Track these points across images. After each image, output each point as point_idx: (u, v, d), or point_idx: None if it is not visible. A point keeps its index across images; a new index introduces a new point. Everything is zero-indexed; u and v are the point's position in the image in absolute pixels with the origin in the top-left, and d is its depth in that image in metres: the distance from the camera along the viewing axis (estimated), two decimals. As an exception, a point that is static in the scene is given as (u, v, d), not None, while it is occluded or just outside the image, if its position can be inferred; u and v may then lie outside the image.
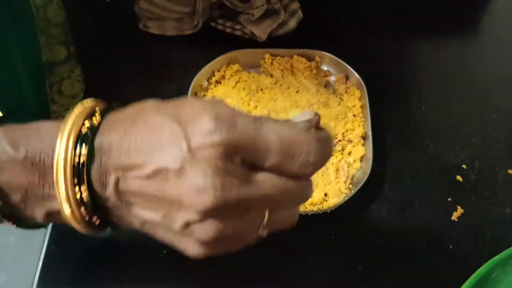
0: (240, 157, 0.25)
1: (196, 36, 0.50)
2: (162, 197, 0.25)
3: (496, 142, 0.49)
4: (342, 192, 0.44)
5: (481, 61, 0.57)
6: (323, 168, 0.45)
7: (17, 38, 0.51)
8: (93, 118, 0.27)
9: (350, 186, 0.45)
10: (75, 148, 0.26)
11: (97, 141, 0.26)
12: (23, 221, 0.29)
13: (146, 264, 0.42)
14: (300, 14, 0.57)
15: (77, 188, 0.26)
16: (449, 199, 0.45)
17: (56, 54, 0.61)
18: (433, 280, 0.41)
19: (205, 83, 0.51)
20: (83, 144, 0.26)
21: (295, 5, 0.58)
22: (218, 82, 0.52)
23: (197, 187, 0.24)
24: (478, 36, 0.60)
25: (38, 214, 0.28)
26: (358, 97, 0.50)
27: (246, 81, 0.52)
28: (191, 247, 0.27)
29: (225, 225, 0.26)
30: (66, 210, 0.27)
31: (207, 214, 0.25)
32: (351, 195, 0.43)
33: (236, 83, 0.52)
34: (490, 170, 0.47)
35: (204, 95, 0.51)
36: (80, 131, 0.26)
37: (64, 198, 0.26)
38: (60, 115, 0.59)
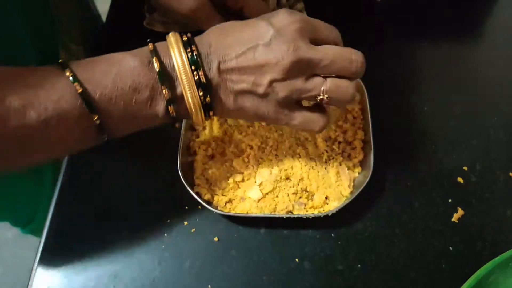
0: (308, 35, 0.37)
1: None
2: (254, 66, 0.35)
3: (497, 144, 0.49)
4: (343, 195, 0.44)
5: (483, 64, 0.57)
6: (323, 171, 0.45)
7: (37, 52, 0.52)
8: (186, 34, 0.37)
9: (352, 189, 0.44)
10: (185, 49, 0.35)
11: (198, 41, 0.36)
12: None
13: (145, 259, 0.42)
14: (305, 14, 0.58)
15: (195, 73, 0.35)
16: (450, 200, 0.45)
17: None
18: (433, 281, 0.41)
19: None
20: (190, 45, 0.35)
21: (300, 6, 0.58)
22: None
23: (282, 50, 0.35)
24: (480, 38, 0.60)
25: (160, 107, 0.36)
26: (357, 100, 0.50)
27: None
28: (270, 107, 0.37)
29: (298, 83, 0.36)
30: (188, 92, 0.35)
31: (288, 72, 0.35)
32: (352, 198, 0.42)
33: None
34: (491, 172, 0.47)
35: None
36: (183, 40, 0.36)
37: (186, 82, 0.35)
38: None
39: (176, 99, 0.36)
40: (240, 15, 0.51)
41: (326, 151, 0.46)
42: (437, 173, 0.47)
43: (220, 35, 0.37)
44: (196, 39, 0.37)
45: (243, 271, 0.41)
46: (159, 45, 0.36)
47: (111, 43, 0.59)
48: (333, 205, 0.43)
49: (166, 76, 0.35)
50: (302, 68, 0.36)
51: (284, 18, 0.36)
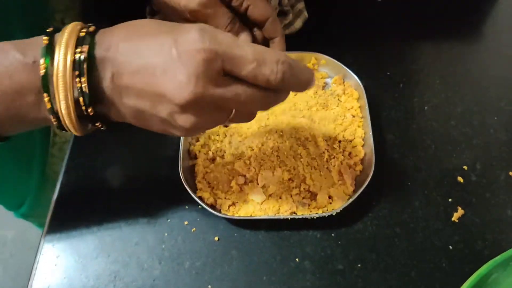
0: (219, 64, 0.30)
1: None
2: (149, 91, 0.30)
3: (497, 143, 0.49)
4: (346, 194, 0.44)
5: (484, 63, 0.57)
6: (325, 172, 0.45)
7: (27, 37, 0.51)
8: (88, 28, 0.31)
9: (354, 188, 0.44)
10: (75, 47, 0.30)
11: (98, 40, 0.31)
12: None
13: (146, 258, 0.42)
14: (305, 14, 0.58)
15: (77, 79, 0.30)
16: (450, 200, 0.45)
17: None
18: (433, 281, 0.41)
19: None
20: (83, 44, 0.30)
21: (301, 5, 0.58)
22: None
23: (179, 83, 0.29)
24: (480, 38, 0.60)
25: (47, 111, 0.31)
26: (356, 98, 0.50)
27: None
28: (178, 130, 0.33)
29: (199, 119, 0.31)
30: (63, 102, 0.30)
31: (186, 107, 0.30)
32: (355, 197, 0.42)
33: None
34: (491, 172, 0.47)
35: None
36: (79, 36, 0.30)
37: (62, 90, 0.30)
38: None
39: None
40: (245, 15, 0.51)
41: (327, 151, 0.46)
42: (438, 173, 0.47)
43: (124, 37, 0.31)
44: (98, 36, 0.31)
45: (244, 271, 0.41)
46: (57, 37, 0.31)
47: None
48: (337, 205, 0.43)
49: (50, 81, 0.30)
50: (202, 105, 0.31)
51: (193, 41, 0.30)
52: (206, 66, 0.30)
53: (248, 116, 0.35)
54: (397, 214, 0.44)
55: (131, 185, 0.47)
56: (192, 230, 0.43)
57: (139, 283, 0.41)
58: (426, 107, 0.52)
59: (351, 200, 0.42)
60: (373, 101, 0.51)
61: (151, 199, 0.45)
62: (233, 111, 0.34)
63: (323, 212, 0.43)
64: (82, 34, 0.31)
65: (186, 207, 0.44)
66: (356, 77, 0.50)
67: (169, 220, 0.44)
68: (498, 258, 0.38)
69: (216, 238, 0.43)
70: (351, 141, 0.47)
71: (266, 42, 0.53)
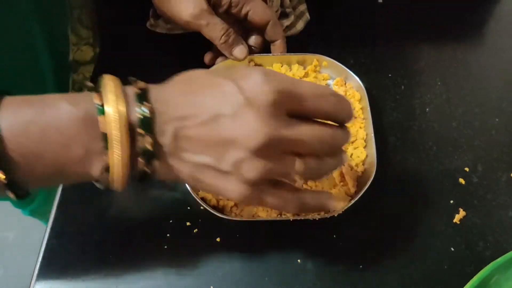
0: (285, 107, 0.30)
1: (200, 36, 0.50)
2: (217, 140, 0.30)
3: (499, 145, 0.49)
4: (347, 196, 0.44)
5: (485, 65, 0.57)
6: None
7: (48, 35, 0.52)
8: (136, 83, 0.30)
9: (356, 189, 0.44)
10: (128, 105, 0.29)
11: (152, 99, 0.30)
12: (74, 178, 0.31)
13: (147, 259, 0.42)
14: (307, 16, 0.58)
15: (139, 137, 0.29)
16: (451, 201, 0.45)
17: (83, 54, 0.61)
18: (434, 282, 0.41)
19: None
20: (141, 102, 0.29)
21: (302, 7, 0.58)
22: None
23: (251, 128, 0.29)
24: (482, 39, 0.60)
25: (95, 168, 0.30)
26: (358, 99, 0.50)
27: None
28: (235, 187, 0.31)
29: (269, 165, 0.30)
30: (123, 157, 0.29)
31: (257, 152, 0.29)
32: (357, 198, 0.42)
33: None
34: (492, 173, 0.47)
35: None
36: (126, 93, 0.29)
37: (120, 145, 0.28)
38: None
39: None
40: (244, 21, 0.51)
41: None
42: (439, 174, 0.47)
43: (182, 90, 0.31)
44: (153, 91, 0.30)
45: (246, 272, 0.41)
46: (106, 93, 0.29)
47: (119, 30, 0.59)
48: (339, 206, 0.43)
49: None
50: (274, 149, 0.31)
51: (258, 84, 0.30)
52: (276, 107, 0.30)
53: (318, 169, 0.33)
54: (399, 216, 0.44)
55: (133, 186, 0.47)
56: (194, 231, 0.43)
57: (141, 284, 0.41)
58: (427, 109, 0.52)
59: (353, 201, 0.42)
60: (375, 103, 0.51)
61: (153, 200, 0.45)
62: (300, 162, 0.32)
63: (325, 213, 0.43)
64: (137, 91, 0.30)
65: (188, 208, 0.44)
66: (357, 79, 0.50)
67: (171, 221, 0.44)
68: (500, 260, 0.38)
69: (218, 239, 0.43)
70: (353, 142, 0.47)
71: (267, 45, 0.53)
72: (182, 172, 0.32)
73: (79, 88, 0.62)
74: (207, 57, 0.53)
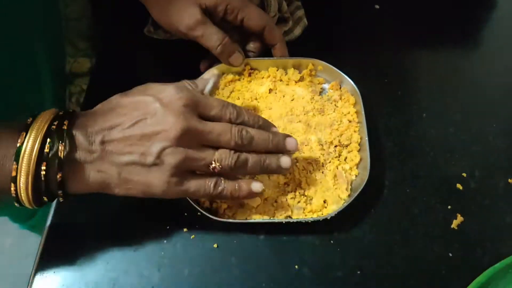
0: (196, 111, 0.38)
1: (196, 43, 0.50)
2: (141, 136, 0.36)
3: (496, 151, 0.49)
4: (341, 199, 0.44)
5: (482, 70, 0.57)
6: (321, 175, 0.45)
7: (44, 47, 0.53)
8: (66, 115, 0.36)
9: (350, 192, 0.44)
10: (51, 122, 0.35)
11: (78, 120, 0.36)
12: None
13: (145, 266, 0.42)
14: (305, 21, 0.58)
15: (46, 147, 0.34)
16: (449, 207, 0.45)
17: (80, 66, 0.62)
18: (432, 288, 0.41)
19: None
20: (63, 120, 0.35)
21: (300, 13, 0.59)
22: (212, 92, 0.52)
23: (169, 122, 0.36)
24: (479, 45, 0.60)
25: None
26: (352, 104, 0.50)
27: (240, 90, 0.52)
28: (159, 176, 0.36)
29: (188, 152, 0.36)
30: (28, 168, 0.34)
31: (177, 140, 0.36)
32: (350, 201, 0.43)
33: (231, 92, 0.52)
34: (490, 179, 0.47)
35: None
36: (55, 116, 0.36)
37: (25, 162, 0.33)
38: None
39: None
40: (240, 27, 0.51)
41: (323, 155, 0.46)
42: (436, 180, 0.47)
43: (107, 109, 0.37)
44: (79, 116, 0.37)
45: (243, 278, 0.41)
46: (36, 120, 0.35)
47: (116, 41, 0.59)
48: (331, 209, 0.43)
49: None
50: (191, 138, 0.37)
51: (172, 94, 0.37)
52: (187, 108, 0.37)
53: (232, 159, 0.38)
54: (397, 221, 0.44)
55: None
56: (191, 237, 0.43)
57: (137, 283, 0.40)
58: (424, 114, 0.52)
59: (345, 204, 0.42)
60: (372, 108, 0.51)
61: (150, 206, 0.45)
62: (218, 151, 0.38)
63: (318, 216, 0.43)
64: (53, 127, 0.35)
65: (185, 214, 0.44)
66: (352, 83, 0.50)
67: (168, 227, 0.44)
68: (498, 265, 0.38)
69: (215, 245, 0.43)
70: (347, 146, 0.47)
71: (267, 51, 0.54)
72: (111, 174, 0.36)
73: (76, 100, 0.62)
74: (203, 66, 0.53)
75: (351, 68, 0.53)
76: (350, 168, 0.46)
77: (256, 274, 0.41)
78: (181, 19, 0.48)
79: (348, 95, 0.51)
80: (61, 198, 0.36)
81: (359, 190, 0.43)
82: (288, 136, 0.42)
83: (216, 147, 0.39)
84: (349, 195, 0.44)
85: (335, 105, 0.51)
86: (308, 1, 0.60)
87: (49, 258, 0.42)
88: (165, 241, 0.43)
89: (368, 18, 0.62)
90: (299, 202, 0.44)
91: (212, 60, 0.53)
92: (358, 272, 0.41)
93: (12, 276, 1.18)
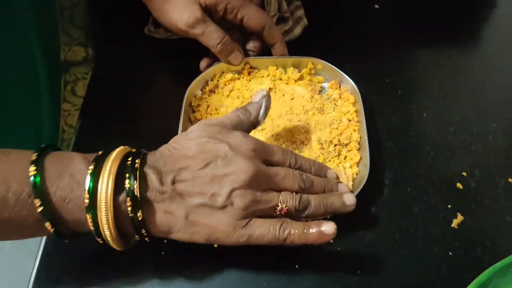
0: (261, 157, 0.39)
1: (196, 42, 0.50)
2: (212, 178, 0.36)
3: (496, 150, 0.49)
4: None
5: (482, 70, 0.57)
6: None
7: (39, 35, 0.53)
8: (139, 155, 0.36)
9: (351, 189, 0.44)
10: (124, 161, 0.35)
11: (149, 162, 0.36)
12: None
13: (145, 266, 0.42)
14: (305, 21, 0.58)
15: (126, 183, 0.34)
16: (449, 206, 0.45)
17: (75, 54, 0.62)
18: (432, 287, 0.41)
19: (199, 93, 0.51)
20: (135, 157, 0.36)
21: (300, 12, 0.58)
22: (212, 91, 0.52)
23: (240, 165, 0.36)
24: (479, 44, 0.60)
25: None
26: (352, 102, 0.50)
27: (240, 89, 0.52)
28: (227, 219, 0.36)
29: (257, 194, 0.37)
30: (104, 217, 0.33)
31: (246, 184, 0.36)
32: None
33: (230, 91, 0.52)
34: (490, 178, 0.47)
35: (199, 104, 0.51)
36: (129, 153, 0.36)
37: (104, 205, 0.33)
38: (70, 114, 0.61)
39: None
40: (240, 26, 0.51)
41: (322, 154, 0.46)
42: (436, 179, 0.47)
43: (172, 153, 0.37)
44: (150, 156, 0.37)
45: (243, 278, 0.41)
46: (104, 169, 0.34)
47: (112, 30, 0.59)
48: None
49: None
50: (259, 182, 0.37)
51: (239, 139, 0.38)
52: (255, 152, 0.38)
53: (296, 200, 0.38)
54: (397, 220, 0.44)
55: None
56: (192, 237, 0.43)
57: (137, 285, 0.40)
58: (424, 114, 0.52)
59: None
60: (372, 108, 0.51)
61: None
62: (282, 193, 0.38)
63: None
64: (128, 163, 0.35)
65: (186, 213, 0.44)
66: (352, 82, 0.50)
67: (168, 227, 0.44)
68: (498, 264, 0.38)
69: (215, 245, 0.43)
70: (346, 145, 0.48)
71: (267, 50, 0.54)
72: (179, 216, 0.36)
73: (71, 88, 0.62)
74: (203, 64, 0.53)
75: (351, 67, 0.53)
76: (350, 167, 0.46)
77: (256, 273, 0.41)
78: (182, 17, 0.48)
79: (348, 94, 0.51)
80: (146, 239, 0.36)
81: (359, 189, 0.43)
82: (340, 182, 0.43)
83: (279, 191, 0.38)
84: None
85: (334, 104, 0.51)
86: (308, 0, 0.60)
87: (49, 258, 0.42)
88: (165, 241, 0.43)
89: (368, 18, 0.62)
90: None
91: (212, 59, 0.53)
92: (358, 271, 0.41)
93: (12, 276, 1.18)
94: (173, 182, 0.35)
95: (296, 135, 0.48)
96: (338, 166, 0.46)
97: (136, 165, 0.34)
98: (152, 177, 0.35)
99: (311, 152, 0.47)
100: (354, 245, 0.43)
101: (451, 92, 0.54)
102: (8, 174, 0.32)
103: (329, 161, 0.46)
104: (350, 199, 0.40)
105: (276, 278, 0.41)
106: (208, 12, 0.49)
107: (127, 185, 0.33)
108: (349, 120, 0.49)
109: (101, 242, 0.35)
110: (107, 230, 0.34)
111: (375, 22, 0.62)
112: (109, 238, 0.34)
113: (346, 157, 0.47)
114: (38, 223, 0.33)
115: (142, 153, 0.37)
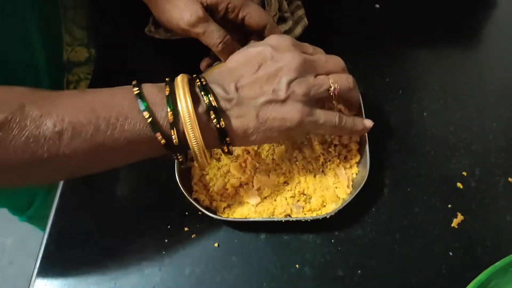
0: (299, 49, 0.41)
1: (197, 42, 0.50)
2: (268, 76, 0.39)
3: (496, 149, 0.49)
4: (339, 198, 0.44)
5: (482, 69, 0.57)
6: (320, 175, 0.45)
7: (42, 35, 0.53)
8: (199, 78, 0.38)
9: (351, 189, 0.45)
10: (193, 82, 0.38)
11: (210, 79, 0.39)
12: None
13: (146, 265, 0.42)
14: (305, 21, 0.58)
15: (205, 97, 0.37)
16: (449, 205, 0.45)
17: (78, 55, 0.62)
18: (433, 287, 0.41)
19: None
20: (199, 79, 0.38)
21: (301, 12, 0.58)
22: None
23: (287, 57, 0.39)
24: (479, 44, 0.60)
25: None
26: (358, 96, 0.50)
27: None
28: (294, 108, 0.39)
29: (311, 80, 0.40)
30: (191, 133, 0.36)
31: (299, 71, 0.39)
32: (349, 200, 0.43)
33: None
34: (490, 178, 0.47)
35: None
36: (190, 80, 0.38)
37: (189, 123, 0.35)
38: None
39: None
40: (242, 25, 0.51)
41: (323, 154, 0.46)
42: (437, 179, 0.47)
43: (228, 67, 0.40)
44: (209, 76, 0.40)
45: (244, 277, 0.41)
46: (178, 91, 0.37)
47: (114, 31, 0.59)
48: (331, 208, 0.43)
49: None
50: (308, 68, 0.40)
51: (276, 39, 0.41)
52: (294, 46, 0.41)
53: (344, 78, 0.42)
54: (397, 220, 0.44)
55: (131, 191, 0.47)
56: (192, 237, 0.43)
57: (138, 285, 0.41)
58: (425, 113, 0.52)
59: (345, 203, 0.42)
60: (372, 107, 0.51)
61: (151, 206, 0.45)
62: (330, 76, 0.41)
63: (317, 215, 0.43)
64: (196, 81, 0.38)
65: (186, 213, 0.44)
66: None
67: (169, 227, 0.44)
68: (498, 264, 0.38)
69: (216, 244, 0.43)
70: (346, 145, 0.48)
71: None
72: (251, 117, 0.38)
73: (74, 88, 0.62)
74: (204, 64, 0.53)
75: (351, 68, 0.53)
76: (350, 167, 0.46)
77: (257, 273, 0.41)
78: (183, 16, 0.48)
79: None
80: (230, 147, 0.39)
81: (359, 188, 0.43)
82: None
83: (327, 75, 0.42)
84: (350, 193, 0.44)
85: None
86: (308, 0, 0.60)
87: (50, 258, 0.42)
88: (166, 240, 0.43)
89: (369, 18, 0.62)
90: (298, 201, 0.44)
91: (213, 59, 0.53)
92: (359, 271, 0.41)
93: (13, 276, 1.18)
94: (236, 89, 0.38)
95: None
96: (338, 166, 0.46)
97: (204, 82, 0.37)
98: (217, 90, 0.38)
99: (311, 152, 0.47)
100: (354, 244, 0.43)
101: (451, 91, 0.54)
102: (119, 104, 0.35)
103: (329, 161, 0.46)
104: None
105: (276, 277, 0.41)
106: (209, 11, 0.49)
107: (205, 100, 0.36)
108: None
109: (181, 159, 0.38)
110: (195, 143, 0.36)
111: (375, 21, 0.62)
112: (197, 152, 0.37)
113: (346, 157, 0.47)
114: (149, 138, 0.36)
115: (199, 76, 0.39)
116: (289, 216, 0.43)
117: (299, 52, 0.40)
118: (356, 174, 0.46)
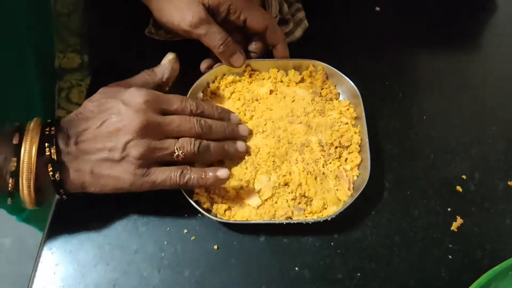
0: (157, 107, 0.41)
1: (197, 43, 0.50)
2: (107, 134, 0.39)
3: (496, 153, 0.49)
4: (340, 200, 0.44)
5: (482, 73, 0.57)
6: (321, 177, 0.45)
7: (32, 42, 0.53)
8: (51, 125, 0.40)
9: (352, 192, 0.45)
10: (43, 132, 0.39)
11: (60, 128, 0.40)
12: None
13: (145, 267, 0.42)
14: (306, 23, 0.58)
15: (47, 149, 0.38)
16: (449, 209, 0.45)
17: (70, 61, 0.62)
18: (432, 290, 0.41)
19: (200, 95, 0.51)
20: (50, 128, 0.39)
21: (301, 14, 0.59)
22: (213, 93, 0.52)
23: (130, 118, 0.39)
24: (479, 48, 0.60)
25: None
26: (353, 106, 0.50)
27: (241, 91, 0.52)
28: (127, 169, 0.39)
29: (151, 142, 0.40)
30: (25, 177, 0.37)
31: (138, 133, 0.39)
32: (350, 203, 0.43)
33: (231, 93, 0.52)
34: (490, 181, 0.47)
35: None
36: (44, 134, 0.39)
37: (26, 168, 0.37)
38: None
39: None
40: (243, 27, 0.51)
41: (323, 156, 0.47)
42: (436, 182, 0.47)
43: (78, 117, 0.41)
44: (61, 124, 0.41)
45: (243, 280, 0.41)
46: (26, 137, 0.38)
47: (108, 36, 0.59)
48: (331, 210, 0.43)
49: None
50: (153, 131, 0.40)
51: (132, 94, 0.41)
52: (146, 104, 0.40)
53: (195, 145, 0.42)
54: (397, 223, 0.44)
55: (130, 193, 0.47)
56: (192, 239, 0.43)
57: (137, 285, 0.41)
58: (424, 117, 0.52)
59: (346, 205, 0.42)
60: (372, 111, 0.51)
61: (150, 207, 0.45)
62: (179, 140, 0.41)
63: (318, 217, 0.43)
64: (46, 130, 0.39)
65: (186, 215, 0.44)
66: (353, 84, 0.50)
67: (168, 229, 0.44)
68: (498, 267, 0.38)
69: (215, 247, 0.43)
70: (347, 147, 0.48)
71: (269, 52, 0.54)
72: (86, 172, 0.39)
73: (66, 95, 0.62)
74: (204, 65, 0.53)
75: (352, 71, 0.53)
76: (351, 169, 0.46)
77: (256, 275, 0.41)
78: (185, 17, 0.48)
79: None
80: (64, 196, 0.40)
81: (360, 191, 0.43)
82: (241, 124, 0.48)
83: (178, 138, 0.42)
84: (351, 195, 0.44)
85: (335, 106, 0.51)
86: (309, 3, 0.60)
87: (49, 259, 0.42)
88: (165, 242, 0.43)
89: (369, 21, 0.63)
90: (299, 203, 0.44)
91: (213, 60, 0.53)
92: (358, 274, 0.41)
93: (12, 276, 1.18)
94: (76, 143, 0.39)
95: (297, 137, 0.48)
96: (338, 168, 0.46)
97: (53, 132, 0.39)
98: (60, 142, 0.39)
99: (311, 154, 0.47)
100: (354, 247, 0.43)
101: (451, 95, 0.54)
102: None
103: (330, 163, 0.46)
104: (241, 147, 0.45)
105: (276, 280, 0.41)
106: (211, 13, 0.49)
107: (47, 152, 0.38)
108: (346, 123, 0.49)
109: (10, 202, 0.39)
110: (26, 191, 0.38)
111: (376, 24, 0.62)
112: (26, 199, 0.38)
113: (346, 159, 0.47)
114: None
115: (56, 121, 0.40)
116: (290, 218, 0.43)
117: (146, 113, 0.40)
118: (357, 176, 0.46)
